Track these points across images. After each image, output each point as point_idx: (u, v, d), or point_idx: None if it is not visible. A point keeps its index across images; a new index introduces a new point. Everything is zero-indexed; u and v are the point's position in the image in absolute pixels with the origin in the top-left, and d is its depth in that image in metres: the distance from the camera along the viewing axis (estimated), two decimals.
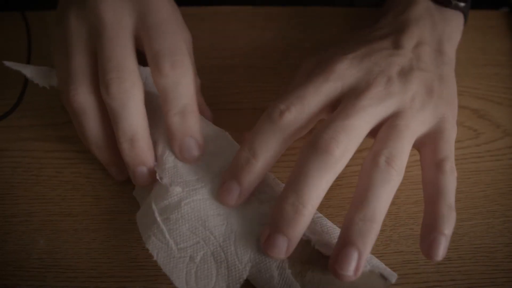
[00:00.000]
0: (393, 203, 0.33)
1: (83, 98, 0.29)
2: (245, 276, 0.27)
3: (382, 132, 0.28)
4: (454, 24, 0.34)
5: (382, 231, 0.31)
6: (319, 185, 0.25)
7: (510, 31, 0.43)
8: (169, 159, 0.30)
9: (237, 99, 0.38)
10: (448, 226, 0.26)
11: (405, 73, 0.29)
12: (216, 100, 0.38)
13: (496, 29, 0.43)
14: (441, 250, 0.25)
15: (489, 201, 0.33)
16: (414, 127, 0.28)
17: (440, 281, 0.30)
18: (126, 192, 0.33)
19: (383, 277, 0.27)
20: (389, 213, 0.32)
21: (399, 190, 0.33)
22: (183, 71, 0.28)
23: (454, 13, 0.34)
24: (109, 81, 0.28)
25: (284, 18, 0.43)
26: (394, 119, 0.28)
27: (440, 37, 0.32)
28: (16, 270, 0.30)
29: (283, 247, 0.26)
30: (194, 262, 0.27)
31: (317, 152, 0.25)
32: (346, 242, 0.25)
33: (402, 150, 0.27)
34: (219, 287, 0.26)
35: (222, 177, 0.28)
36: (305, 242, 0.27)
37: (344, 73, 0.28)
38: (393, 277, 0.27)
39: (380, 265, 0.28)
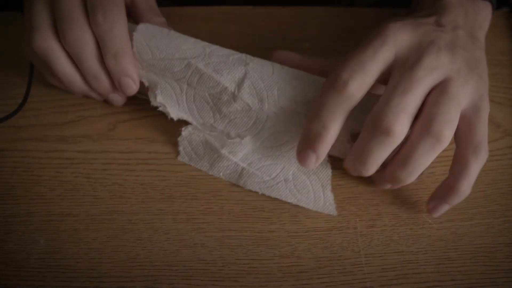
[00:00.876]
0: (393, 203, 0.33)
1: (45, 42, 0.32)
2: (330, 171, 0.32)
3: (433, 97, 0.29)
4: (483, 14, 0.35)
5: (382, 231, 0.32)
6: (378, 160, 0.29)
7: (510, 31, 0.43)
8: (224, 119, 0.33)
9: None
10: (457, 201, 0.30)
11: (451, 47, 0.30)
12: None
13: (496, 29, 0.43)
14: (441, 214, 0.31)
15: (489, 201, 0.33)
16: (462, 96, 0.29)
17: (440, 281, 0.30)
18: (126, 192, 0.33)
19: None
20: (389, 213, 0.33)
21: (399, 190, 0.33)
22: (113, 20, 0.32)
23: (483, 3, 0.36)
24: (64, 31, 0.31)
25: (284, 18, 0.43)
26: (445, 85, 0.29)
27: (473, 25, 0.34)
28: (16, 270, 0.30)
29: None
30: (290, 181, 0.32)
31: (379, 133, 0.28)
32: (384, 181, 0.31)
33: (452, 118, 0.28)
34: (317, 189, 0.32)
35: (298, 146, 0.30)
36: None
37: (397, 37, 0.29)
38: None
39: None
